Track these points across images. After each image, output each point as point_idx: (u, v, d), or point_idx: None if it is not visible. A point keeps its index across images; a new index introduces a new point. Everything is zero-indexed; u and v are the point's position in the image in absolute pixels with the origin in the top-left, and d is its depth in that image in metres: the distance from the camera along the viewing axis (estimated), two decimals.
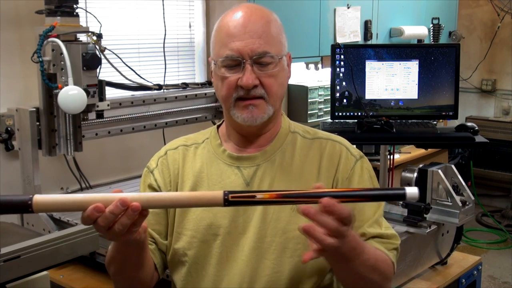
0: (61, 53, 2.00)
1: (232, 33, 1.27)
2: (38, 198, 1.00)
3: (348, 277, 1.23)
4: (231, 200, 1.02)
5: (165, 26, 2.89)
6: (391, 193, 1.09)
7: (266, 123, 1.33)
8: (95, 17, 2.37)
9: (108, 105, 2.19)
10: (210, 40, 1.36)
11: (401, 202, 2.02)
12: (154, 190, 1.39)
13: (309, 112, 3.63)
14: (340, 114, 2.41)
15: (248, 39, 1.25)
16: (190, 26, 3.22)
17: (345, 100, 2.40)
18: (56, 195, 1.03)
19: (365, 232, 1.30)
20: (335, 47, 2.40)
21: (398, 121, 2.39)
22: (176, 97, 2.69)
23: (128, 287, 1.34)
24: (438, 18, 4.40)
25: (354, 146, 1.42)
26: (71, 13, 2.11)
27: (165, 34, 2.89)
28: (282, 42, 1.32)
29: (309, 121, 3.61)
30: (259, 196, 1.02)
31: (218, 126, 1.44)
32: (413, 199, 1.02)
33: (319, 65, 3.63)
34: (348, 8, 3.69)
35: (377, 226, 1.32)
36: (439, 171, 1.99)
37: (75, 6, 2.12)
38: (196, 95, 2.77)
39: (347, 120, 2.42)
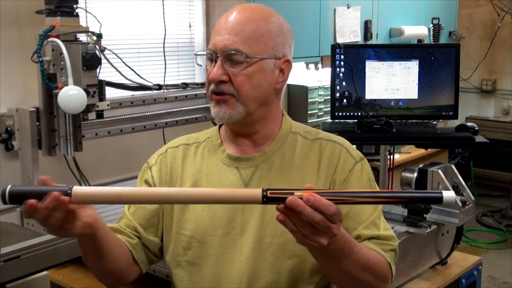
0: (61, 53, 2.00)
1: (217, 29, 1.30)
2: (77, 189, 1.03)
3: (337, 276, 1.22)
4: (269, 196, 1.02)
5: (165, 26, 2.89)
6: (428, 196, 1.10)
7: (250, 122, 1.33)
8: (95, 17, 2.37)
9: (108, 105, 2.19)
10: None
11: None
12: (149, 186, 1.39)
13: (309, 112, 3.63)
14: (340, 114, 2.41)
15: (225, 35, 1.27)
16: (190, 26, 3.22)
17: (345, 100, 2.40)
18: (95, 188, 1.06)
19: (360, 234, 1.29)
20: (335, 47, 2.40)
21: (398, 121, 2.39)
22: (176, 97, 2.69)
23: (101, 277, 1.35)
24: (438, 18, 4.40)
25: (354, 147, 1.41)
26: (71, 13, 2.11)
27: (165, 34, 2.89)
28: (268, 45, 1.29)
29: (309, 121, 3.61)
30: (297, 193, 1.02)
31: (220, 126, 1.44)
32: (450, 203, 1.03)
33: (319, 65, 3.64)
34: (348, 8, 3.69)
35: (374, 227, 1.30)
36: (439, 171, 1.99)
37: (75, 6, 2.12)
38: (196, 95, 2.77)
39: (347, 120, 2.42)
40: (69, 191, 1.03)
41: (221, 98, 1.29)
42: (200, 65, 1.35)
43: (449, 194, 1.02)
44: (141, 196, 1.05)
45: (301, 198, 1.01)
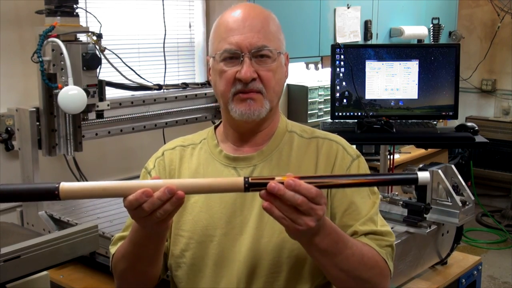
0: (61, 53, 2.00)
1: (231, 28, 1.28)
2: (64, 185, 1.04)
3: (335, 274, 1.22)
4: (251, 182, 1.04)
5: (165, 26, 2.89)
6: (403, 178, 1.12)
7: (263, 120, 1.33)
8: (95, 17, 2.37)
9: (108, 105, 2.19)
10: (209, 38, 1.37)
11: (401, 202, 2.02)
12: None
13: (309, 112, 3.63)
14: (340, 114, 2.41)
15: (247, 33, 1.27)
16: (190, 26, 3.22)
17: (345, 100, 2.40)
18: (83, 183, 1.07)
19: (357, 230, 1.29)
20: (335, 47, 2.40)
21: (398, 121, 2.39)
22: (176, 97, 2.69)
23: (135, 286, 1.34)
24: (438, 18, 4.40)
25: (354, 146, 1.41)
26: (71, 13, 2.11)
27: (165, 34, 2.89)
28: (280, 39, 1.33)
29: (309, 121, 3.61)
30: (278, 179, 1.04)
31: (216, 127, 1.44)
32: (425, 183, 1.06)
33: (319, 65, 3.63)
34: (348, 8, 3.69)
35: (371, 223, 1.31)
36: (439, 171, 1.99)
37: (75, 6, 2.12)
38: (196, 95, 2.77)
39: (347, 120, 2.43)
40: (57, 189, 1.03)
41: (249, 96, 1.28)
42: (224, 66, 1.29)
43: (423, 175, 1.06)
44: (125, 188, 1.05)
45: (282, 183, 1.03)
